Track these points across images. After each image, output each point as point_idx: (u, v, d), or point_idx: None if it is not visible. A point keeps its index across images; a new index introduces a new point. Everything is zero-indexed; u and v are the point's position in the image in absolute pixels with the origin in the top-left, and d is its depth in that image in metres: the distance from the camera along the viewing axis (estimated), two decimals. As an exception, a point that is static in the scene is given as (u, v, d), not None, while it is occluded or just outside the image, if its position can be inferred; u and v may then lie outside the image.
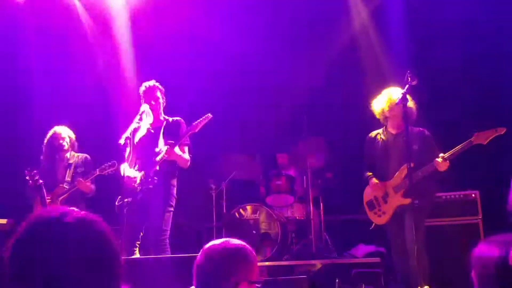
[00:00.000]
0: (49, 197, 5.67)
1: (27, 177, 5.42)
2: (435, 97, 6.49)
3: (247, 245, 2.19)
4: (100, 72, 7.58)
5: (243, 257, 2.13)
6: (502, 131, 4.58)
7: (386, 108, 5.03)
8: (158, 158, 4.89)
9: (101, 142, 6.30)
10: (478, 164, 6.23)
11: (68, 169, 5.86)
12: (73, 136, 6.00)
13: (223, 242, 2.21)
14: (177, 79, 7.07)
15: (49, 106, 7.14)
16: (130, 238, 4.88)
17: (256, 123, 7.83)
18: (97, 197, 5.90)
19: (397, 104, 4.66)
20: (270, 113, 7.73)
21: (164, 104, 5.26)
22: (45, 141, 5.93)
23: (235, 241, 2.22)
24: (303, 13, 7.47)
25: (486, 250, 1.72)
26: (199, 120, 4.88)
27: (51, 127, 5.95)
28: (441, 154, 4.69)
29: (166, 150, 4.81)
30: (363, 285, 5.75)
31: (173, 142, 4.86)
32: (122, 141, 4.62)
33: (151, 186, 4.86)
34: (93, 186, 5.77)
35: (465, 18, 6.53)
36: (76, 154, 5.97)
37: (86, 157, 5.97)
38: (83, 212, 1.35)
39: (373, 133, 5.27)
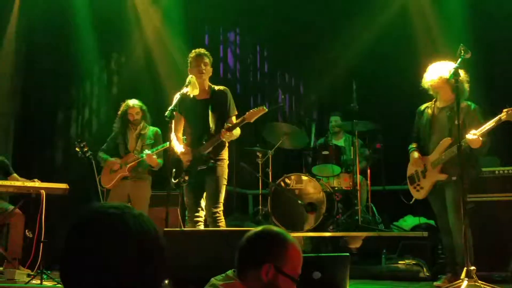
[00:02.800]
0: (118, 162, 5.97)
1: (77, 149, 5.61)
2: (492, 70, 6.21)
3: (289, 234, 2.15)
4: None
5: (277, 241, 2.10)
6: None
7: (436, 81, 4.87)
8: (211, 143, 4.94)
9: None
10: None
11: (139, 139, 6.07)
12: (144, 108, 6.16)
13: (265, 228, 2.21)
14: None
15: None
16: (193, 212, 5.05)
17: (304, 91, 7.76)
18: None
19: (449, 79, 4.50)
20: (319, 82, 7.64)
21: (211, 73, 5.23)
22: (119, 113, 6.15)
23: (276, 228, 2.22)
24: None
25: None
26: (254, 111, 4.84)
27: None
28: (473, 131, 4.53)
29: (222, 135, 4.85)
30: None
31: (229, 126, 4.87)
32: (168, 113, 4.65)
33: (204, 167, 4.95)
34: (159, 160, 5.93)
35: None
36: (147, 126, 6.16)
37: (157, 130, 6.16)
38: (137, 212, 1.38)
39: (422, 106, 5.16)
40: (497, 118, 4.48)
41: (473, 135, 4.49)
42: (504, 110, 4.43)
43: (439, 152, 4.86)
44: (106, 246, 1.29)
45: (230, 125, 4.89)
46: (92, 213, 1.37)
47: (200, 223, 5.03)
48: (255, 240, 2.14)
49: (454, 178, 4.69)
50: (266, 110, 4.84)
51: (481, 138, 4.50)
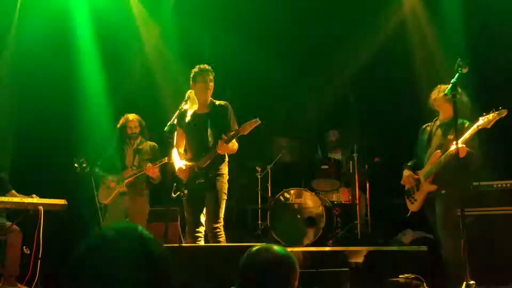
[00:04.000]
0: (115, 179, 5.97)
1: (75, 164, 5.60)
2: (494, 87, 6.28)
3: (289, 254, 2.19)
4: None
5: (293, 266, 2.15)
6: (503, 113, 4.51)
7: (436, 98, 5.01)
8: (209, 156, 4.94)
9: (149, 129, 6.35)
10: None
11: (137, 155, 6.09)
12: (143, 123, 6.17)
13: (267, 253, 2.19)
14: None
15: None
16: (193, 227, 5.03)
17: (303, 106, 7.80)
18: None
19: (445, 95, 4.55)
20: (318, 96, 7.68)
21: (213, 89, 5.22)
22: (118, 126, 6.17)
23: (281, 248, 2.21)
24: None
25: None
26: (249, 123, 4.84)
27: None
28: (455, 142, 4.60)
29: (219, 147, 4.86)
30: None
31: (225, 138, 4.87)
32: (167, 129, 4.65)
33: (203, 181, 4.94)
34: (159, 174, 5.94)
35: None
36: (145, 141, 6.18)
37: (154, 145, 6.18)
38: (144, 232, 1.36)
39: (424, 125, 5.31)
40: (475, 126, 4.62)
41: (455, 144, 4.55)
42: (480, 118, 4.59)
43: (430, 164, 4.99)
44: (103, 276, 1.26)
45: (226, 137, 4.90)
46: (92, 240, 1.34)
47: (200, 239, 5.01)
48: (259, 268, 2.14)
49: (443, 191, 4.83)
50: (260, 122, 4.85)
51: (464, 146, 4.59)
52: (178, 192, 4.96)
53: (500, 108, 4.53)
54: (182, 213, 5.32)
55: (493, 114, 4.52)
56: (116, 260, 1.28)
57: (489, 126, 4.57)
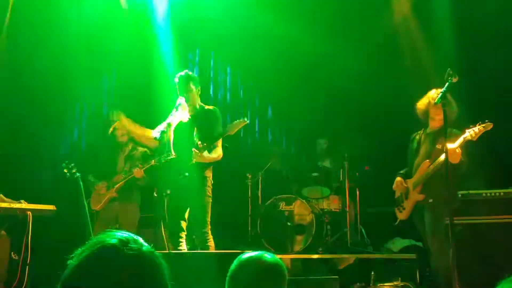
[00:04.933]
0: (106, 184, 5.95)
1: (65, 170, 5.58)
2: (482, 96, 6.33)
3: (280, 263, 2.20)
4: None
5: (283, 273, 2.16)
6: (489, 126, 4.53)
7: (427, 108, 4.99)
8: (191, 162, 4.94)
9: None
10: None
11: (128, 161, 6.08)
12: (132, 129, 6.13)
13: (260, 258, 2.19)
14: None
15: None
16: (174, 230, 5.00)
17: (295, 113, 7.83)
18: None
19: (435, 104, 4.58)
20: (309, 104, 7.71)
21: (199, 92, 5.23)
22: (109, 133, 6.16)
23: (270, 256, 2.21)
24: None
25: None
26: (236, 123, 4.86)
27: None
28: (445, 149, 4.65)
29: (193, 156, 4.86)
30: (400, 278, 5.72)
31: (204, 145, 4.87)
32: (157, 135, 4.66)
33: (187, 174, 4.92)
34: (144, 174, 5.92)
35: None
36: (136, 148, 6.17)
37: (145, 151, 6.16)
38: (138, 240, 1.35)
39: (414, 134, 5.32)
40: (461, 138, 4.59)
41: (445, 151, 4.57)
42: (467, 130, 4.59)
43: (419, 174, 5.02)
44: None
45: (200, 146, 4.89)
46: (85, 252, 1.33)
47: (182, 243, 4.99)
48: (248, 276, 2.15)
49: (430, 200, 4.88)
50: (247, 122, 4.88)
51: (459, 151, 4.59)
52: (161, 192, 4.92)
53: (486, 121, 4.55)
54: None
55: (479, 127, 4.54)
56: (110, 271, 1.27)
57: (475, 139, 4.57)
